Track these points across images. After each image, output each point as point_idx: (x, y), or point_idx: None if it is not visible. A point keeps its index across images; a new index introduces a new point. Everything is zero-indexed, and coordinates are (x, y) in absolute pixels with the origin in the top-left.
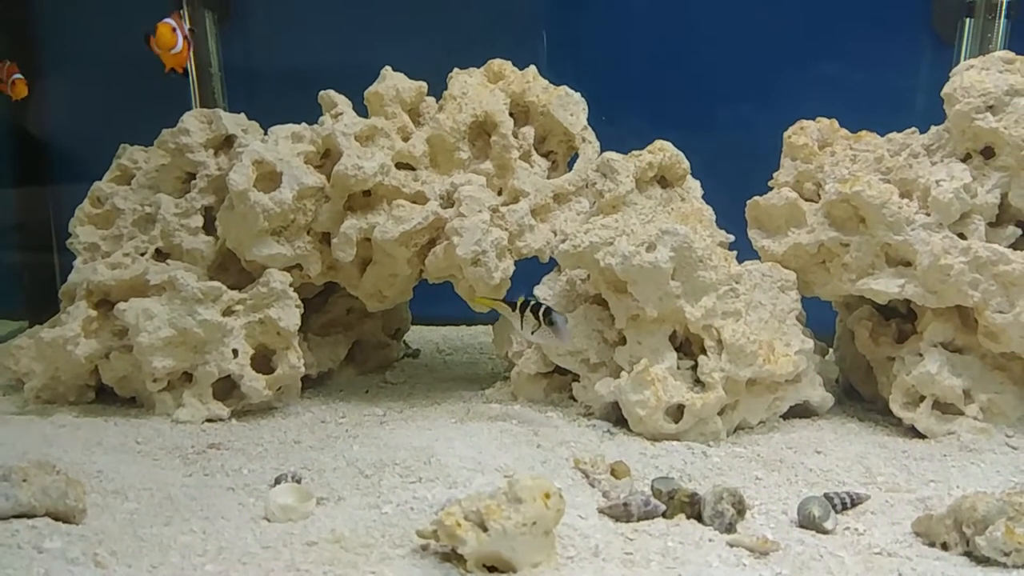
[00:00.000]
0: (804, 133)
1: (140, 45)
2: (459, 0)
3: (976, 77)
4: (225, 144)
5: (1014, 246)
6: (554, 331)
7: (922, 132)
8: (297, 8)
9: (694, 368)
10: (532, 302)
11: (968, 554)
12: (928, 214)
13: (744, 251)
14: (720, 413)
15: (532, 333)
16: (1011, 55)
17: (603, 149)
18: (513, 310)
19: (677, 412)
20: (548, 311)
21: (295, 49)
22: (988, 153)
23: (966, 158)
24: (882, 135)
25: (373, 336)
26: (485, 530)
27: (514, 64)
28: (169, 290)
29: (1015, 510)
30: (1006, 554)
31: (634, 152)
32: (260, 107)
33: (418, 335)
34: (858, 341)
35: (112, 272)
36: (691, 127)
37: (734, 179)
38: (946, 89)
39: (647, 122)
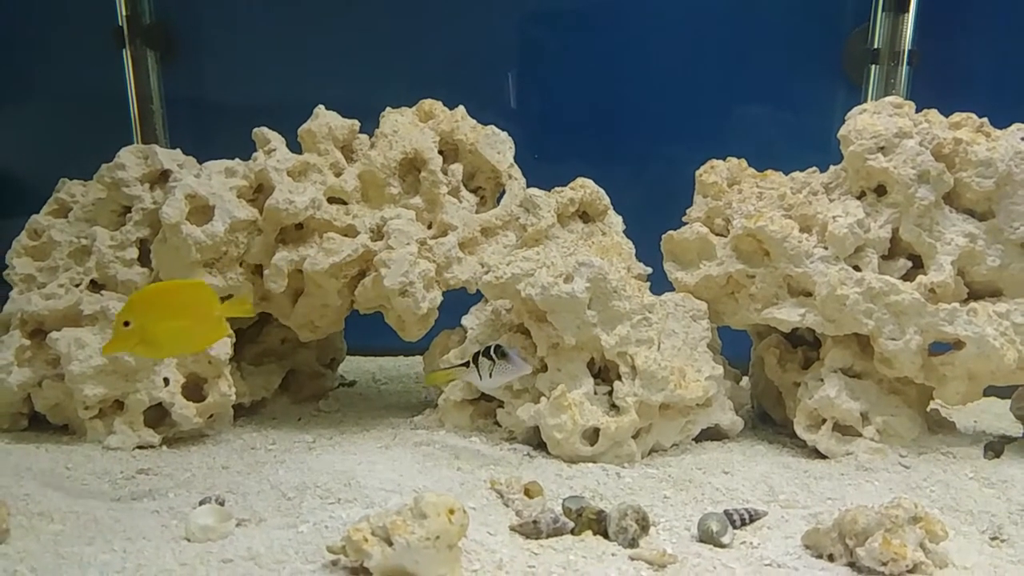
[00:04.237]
0: (714, 172)
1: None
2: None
3: (868, 120)
4: (161, 178)
5: (905, 277)
6: (510, 362)
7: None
8: (239, 48)
9: (610, 393)
10: (483, 350)
11: (851, 564)
12: (826, 248)
13: (663, 283)
14: (635, 436)
15: (491, 376)
16: (900, 100)
17: (542, 186)
18: (467, 367)
19: (593, 435)
20: (497, 347)
21: (237, 87)
22: (880, 191)
23: (861, 195)
24: (800, 171)
25: (308, 366)
26: (390, 544)
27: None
28: (101, 320)
29: (892, 522)
30: (884, 564)
31: (556, 188)
32: (202, 142)
33: (356, 365)
34: (767, 367)
35: (46, 302)
36: (622, 166)
37: (661, 214)
38: (841, 132)
39: (584, 161)
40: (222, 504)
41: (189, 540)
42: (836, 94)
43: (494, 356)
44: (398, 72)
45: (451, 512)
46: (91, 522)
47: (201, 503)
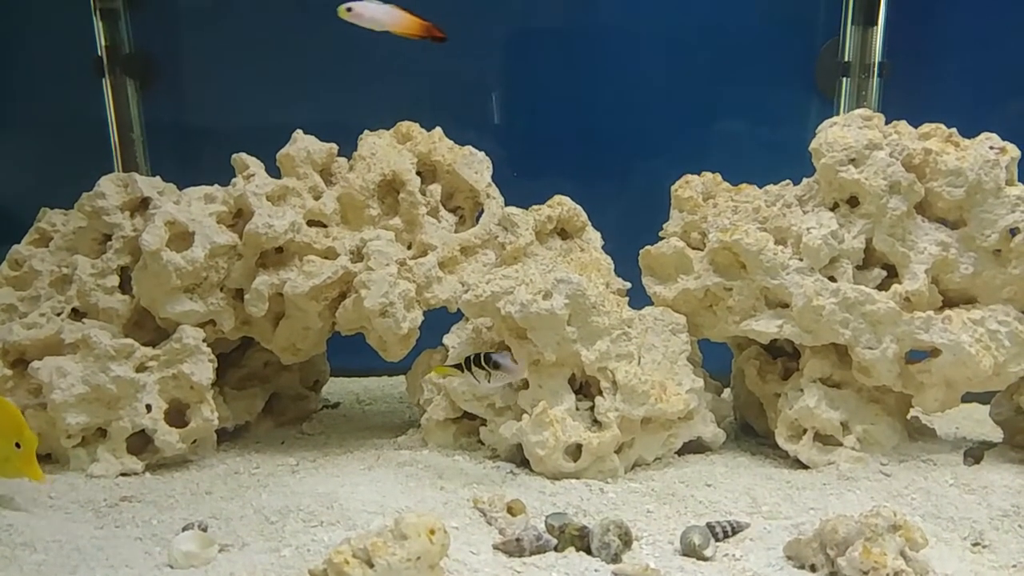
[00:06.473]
0: (689, 186)
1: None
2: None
3: (839, 133)
4: (141, 206)
5: (880, 287)
6: (504, 369)
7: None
8: (217, 76)
9: (592, 409)
10: (473, 357)
11: (833, 574)
12: (801, 259)
13: (642, 298)
14: (617, 451)
15: (489, 382)
16: (869, 112)
17: (520, 204)
18: (461, 371)
19: (576, 451)
20: (488, 356)
21: (216, 114)
22: (853, 202)
23: (834, 207)
24: (774, 184)
25: (291, 388)
26: (372, 566)
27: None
28: (83, 348)
29: (871, 531)
30: (864, 572)
31: (534, 206)
32: (183, 169)
33: (340, 386)
34: (748, 379)
35: (27, 332)
36: (600, 182)
37: (638, 230)
38: (813, 145)
39: (562, 178)
40: (205, 530)
41: (172, 566)
42: (809, 107)
43: (486, 366)
44: (375, 95)
45: (432, 532)
46: (74, 551)
47: (184, 529)
